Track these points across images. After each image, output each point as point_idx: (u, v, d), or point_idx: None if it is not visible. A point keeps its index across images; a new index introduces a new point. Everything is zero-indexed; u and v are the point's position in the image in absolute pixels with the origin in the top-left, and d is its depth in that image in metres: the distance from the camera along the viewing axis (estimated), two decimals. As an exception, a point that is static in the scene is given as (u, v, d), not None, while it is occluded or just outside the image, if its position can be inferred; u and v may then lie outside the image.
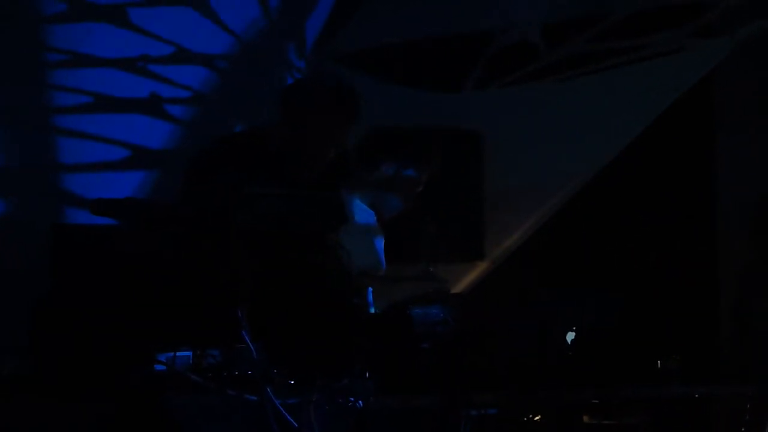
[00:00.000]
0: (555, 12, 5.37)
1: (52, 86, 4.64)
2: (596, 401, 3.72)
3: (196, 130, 4.85)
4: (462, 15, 5.43)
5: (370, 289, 3.67)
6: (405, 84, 5.47)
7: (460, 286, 5.43)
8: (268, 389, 3.03)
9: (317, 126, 3.83)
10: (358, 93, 3.98)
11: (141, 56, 4.77)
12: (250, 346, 3.08)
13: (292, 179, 3.82)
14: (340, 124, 3.88)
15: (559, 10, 5.36)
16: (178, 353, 3.11)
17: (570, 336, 3.72)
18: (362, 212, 4.55)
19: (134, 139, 4.79)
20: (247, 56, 5.00)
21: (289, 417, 3.03)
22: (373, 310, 3.68)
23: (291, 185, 3.80)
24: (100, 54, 4.69)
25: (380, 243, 4.65)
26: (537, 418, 3.60)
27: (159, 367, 3.10)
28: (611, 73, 5.44)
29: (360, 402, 3.17)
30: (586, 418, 3.78)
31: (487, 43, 5.41)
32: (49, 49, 4.61)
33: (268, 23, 5.12)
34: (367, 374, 3.24)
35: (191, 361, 3.13)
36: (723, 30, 5.42)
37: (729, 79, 6.03)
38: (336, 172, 4.09)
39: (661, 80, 5.54)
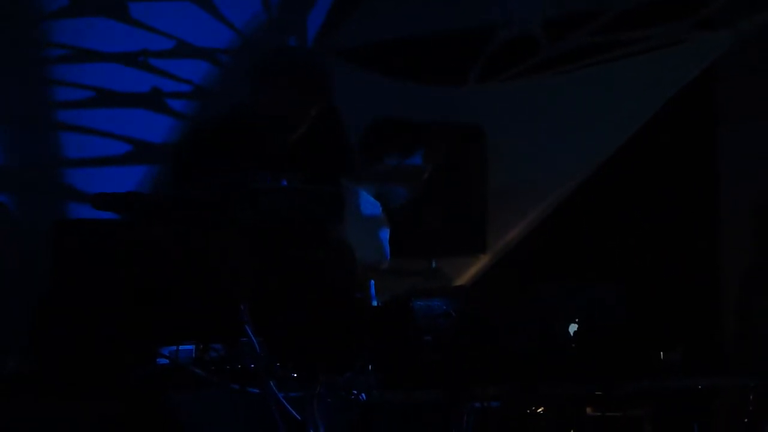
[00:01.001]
0: (556, 5, 5.36)
1: (54, 81, 4.64)
2: (599, 393, 3.72)
3: (197, 125, 4.86)
4: (463, 9, 5.42)
5: (372, 282, 3.67)
6: (407, 79, 5.47)
7: (462, 279, 5.43)
8: (271, 383, 3.03)
9: (283, 98, 3.85)
10: (322, 65, 3.99)
11: (142, 51, 4.77)
12: (253, 340, 3.08)
13: (266, 155, 3.84)
14: (306, 95, 3.88)
15: (559, 3, 5.36)
16: (181, 347, 3.11)
17: (573, 328, 3.72)
18: (367, 204, 4.55)
19: (136, 134, 4.79)
20: (248, 50, 5.00)
21: (292, 410, 3.03)
22: (375, 304, 3.68)
23: (267, 162, 3.81)
24: (101, 49, 4.69)
25: (385, 234, 4.66)
26: (540, 410, 3.60)
27: (162, 361, 3.10)
28: (612, 66, 5.44)
29: (363, 395, 3.17)
30: (589, 410, 3.78)
31: (488, 37, 5.40)
32: (50, 44, 4.61)
33: (269, 17, 5.12)
34: (370, 367, 3.24)
35: (194, 355, 3.13)
36: (724, 23, 5.41)
37: (730, 72, 6.03)
38: (337, 166, 4.09)
39: (662, 73, 5.53)
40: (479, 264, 5.56)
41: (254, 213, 3.25)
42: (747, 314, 5.43)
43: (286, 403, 3.03)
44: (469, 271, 5.54)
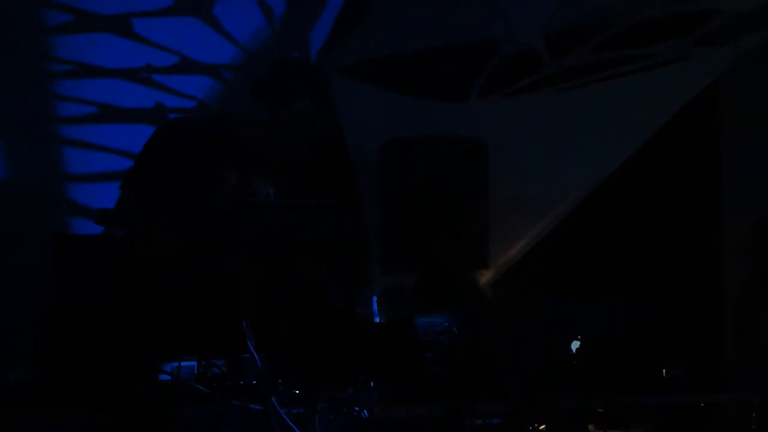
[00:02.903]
0: (559, 21, 5.37)
1: (57, 96, 4.64)
2: (601, 410, 3.71)
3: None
4: (465, 25, 5.43)
5: (375, 298, 3.67)
6: (408, 94, 5.47)
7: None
8: (273, 399, 3.03)
9: (287, 112, 3.77)
10: (326, 78, 3.93)
11: (145, 66, 4.78)
12: (255, 355, 3.07)
13: (261, 170, 3.80)
14: (310, 112, 3.79)
15: (562, 19, 5.36)
16: (182, 363, 3.11)
17: (574, 345, 3.72)
18: None
19: (139, 149, 4.78)
20: (251, 66, 5.01)
21: (294, 427, 3.02)
22: (377, 320, 3.68)
23: (268, 176, 3.78)
24: (105, 64, 4.70)
25: None
26: (542, 427, 3.60)
27: (164, 377, 3.09)
28: (615, 83, 5.44)
29: (365, 411, 3.17)
30: (591, 428, 3.77)
31: (490, 52, 5.41)
32: (54, 59, 4.62)
33: (272, 33, 5.13)
34: (372, 383, 3.24)
35: (196, 371, 3.12)
36: (727, 39, 5.42)
37: (733, 88, 6.03)
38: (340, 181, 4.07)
39: (665, 89, 5.54)
40: (481, 279, 5.56)
41: (256, 228, 3.24)
42: (748, 332, 5.43)
43: (288, 420, 3.02)
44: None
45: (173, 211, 3.57)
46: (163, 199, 3.65)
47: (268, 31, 5.11)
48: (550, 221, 5.76)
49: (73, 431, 3.04)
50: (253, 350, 3.07)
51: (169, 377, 3.08)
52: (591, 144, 5.57)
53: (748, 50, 5.43)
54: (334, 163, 5.36)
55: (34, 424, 3.06)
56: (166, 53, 4.82)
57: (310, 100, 3.77)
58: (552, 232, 5.79)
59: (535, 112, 5.50)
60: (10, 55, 4.53)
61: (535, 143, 5.53)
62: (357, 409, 3.17)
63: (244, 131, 3.79)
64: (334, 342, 3.31)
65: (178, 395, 3.05)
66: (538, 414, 3.56)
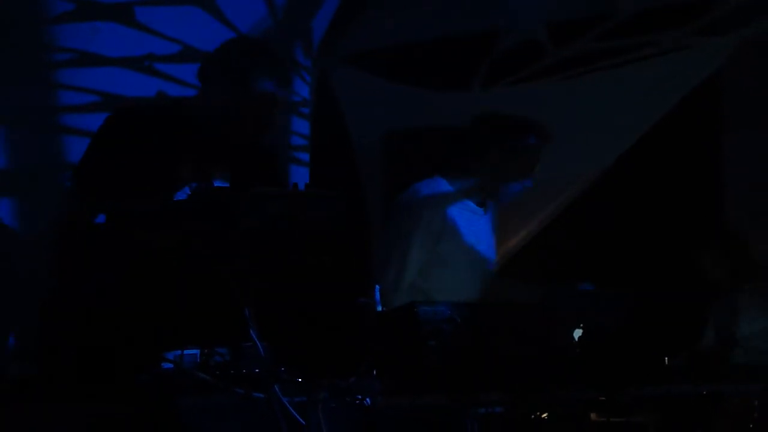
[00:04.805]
0: (561, 10, 5.37)
1: (60, 86, 4.64)
2: (603, 398, 3.72)
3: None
4: (468, 14, 5.43)
5: (378, 287, 3.67)
6: (412, 83, 5.48)
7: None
8: (276, 387, 3.03)
9: (243, 93, 3.68)
10: (285, 62, 3.85)
11: (147, 55, 4.77)
12: (258, 344, 3.08)
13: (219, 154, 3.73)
14: (267, 92, 3.69)
15: (565, 8, 5.37)
16: (185, 351, 3.11)
17: (577, 333, 3.72)
18: (468, 221, 4.49)
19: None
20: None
21: (296, 415, 3.03)
22: (380, 308, 3.68)
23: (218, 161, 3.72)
24: (107, 53, 4.69)
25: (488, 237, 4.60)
26: (544, 415, 3.60)
27: (167, 365, 3.10)
28: (617, 72, 5.45)
29: (367, 400, 3.17)
30: (593, 416, 3.78)
31: (493, 42, 5.41)
32: (56, 48, 4.62)
33: (275, 22, 5.12)
34: (374, 372, 3.24)
35: (198, 360, 3.13)
36: (728, 28, 5.42)
37: (735, 77, 6.04)
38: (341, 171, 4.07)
39: (668, 78, 5.54)
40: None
41: (258, 217, 3.25)
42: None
43: (290, 408, 3.03)
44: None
45: (177, 201, 3.57)
46: (119, 185, 3.56)
47: (270, 21, 5.10)
48: (553, 210, 5.77)
49: (75, 421, 3.05)
50: (255, 339, 3.07)
51: (172, 366, 3.08)
52: (593, 133, 5.58)
53: (751, 39, 5.43)
54: (335, 153, 5.36)
55: (36, 415, 3.06)
56: (169, 42, 4.82)
57: (267, 79, 3.67)
58: (555, 222, 5.80)
59: (537, 101, 5.50)
60: (12, 43, 4.53)
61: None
62: (360, 397, 3.17)
63: (199, 114, 3.70)
64: (337, 330, 3.32)
65: (180, 384, 3.05)
66: (540, 402, 3.57)
